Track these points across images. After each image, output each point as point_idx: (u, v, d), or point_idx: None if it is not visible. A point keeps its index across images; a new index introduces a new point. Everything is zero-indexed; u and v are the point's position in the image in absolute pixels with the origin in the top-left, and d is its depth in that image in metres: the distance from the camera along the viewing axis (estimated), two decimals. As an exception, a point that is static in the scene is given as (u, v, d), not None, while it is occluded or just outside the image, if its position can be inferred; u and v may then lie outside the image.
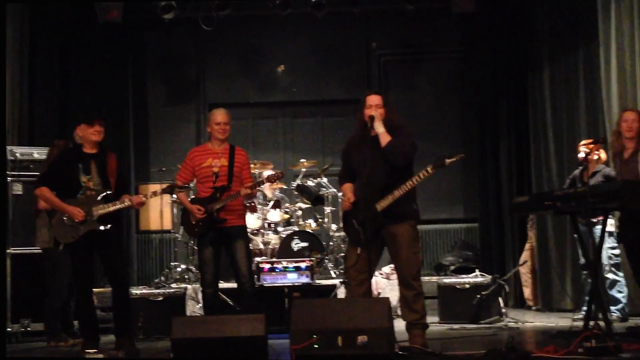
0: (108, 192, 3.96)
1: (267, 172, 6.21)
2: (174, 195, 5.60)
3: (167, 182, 5.98)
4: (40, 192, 4.00)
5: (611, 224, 4.68)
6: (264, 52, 7.44)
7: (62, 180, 3.97)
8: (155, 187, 5.79)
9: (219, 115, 4.22)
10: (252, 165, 6.19)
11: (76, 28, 6.69)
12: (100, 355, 3.67)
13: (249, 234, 5.88)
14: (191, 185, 4.65)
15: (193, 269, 5.71)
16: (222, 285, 5.15)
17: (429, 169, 3.48)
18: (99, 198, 3.93)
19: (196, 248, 5.88)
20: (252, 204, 5.94)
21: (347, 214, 3.72)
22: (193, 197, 4.61)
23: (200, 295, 5.04)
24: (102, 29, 6.59)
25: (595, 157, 4.89)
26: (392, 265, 5.34)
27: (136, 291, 4.99)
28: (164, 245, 7.02)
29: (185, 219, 4.29)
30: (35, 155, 5.10)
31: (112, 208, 3.92)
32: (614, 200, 3.84)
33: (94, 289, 4.23)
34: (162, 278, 5.88)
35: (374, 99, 3.69)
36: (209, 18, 6.61)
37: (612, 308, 4.73)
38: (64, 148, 4.36)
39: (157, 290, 5.01)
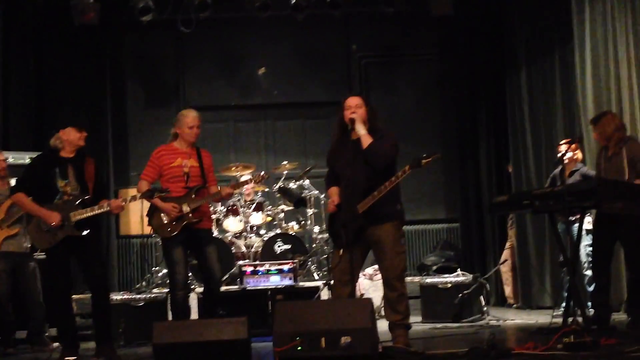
0: (86, 197, 3.90)
1: (247, 176, 6.21)
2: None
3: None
4: (17, 198, 3.94)
5: (588, 222, 4.76)
6: (244, 54, 7.42)
7: (38, 185, 3.90)
8: (135, 191, 5.71)
9: (193, 119, 4.14)
10: (233, 168, 6.20)
11: (52, 30, 6.58)
12: (80, 363, 3.61)
13: (232, 237, 5.88)
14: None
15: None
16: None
17: (406, 169, 3.51)
18: (76, 203, 3.87)
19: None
20: (235, 207, 5.92)
21: (332, 216, 3.74)
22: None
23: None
24: (79, 31, 6.50)
25: (571, 155, 4.96)
26: (376, 267, 5.39)
27: (117, 297, 4.93)
28: (145, 250, 6.94)
29: (156, 219, 4.12)
30: (10, 160, 5.01)
31: (90, 213, 3.85)
32: (590, 198, 3.91)
33: (73, 296, 4.16)
34: (144, 283, 5.82)
35: (353, 101, 3.70)
36: (188, 20, 6.55)
37: (590, 304, 4.81)
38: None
39: (138, 296, 4.95)
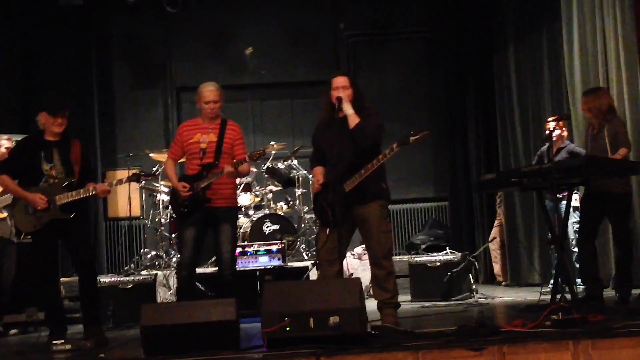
0: (72, 180, 3.85)
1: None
2: (142, 182, 5.51)
3: (134, 168, 5.88)
4: (0, 180, 3.88)
5: (576, 199, 4.78)
6: (232, 34, 7.33)
7: (23, 168, 3.85)
8: (123, 173, 5.67)
9: (208, 94, 4.01)
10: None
11: (37, 11, 6.46)
12: (68, 346, 3.56)
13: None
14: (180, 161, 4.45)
15: (163, 255, 5.65)
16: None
17: (394, 146, 3.49)
18: (62, 186, 3.83)
19: (166, 234, 5.84)
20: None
21: (317, 195, 3.72)
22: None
23: (171, 282, 4.98)
24: (64, 12, 6.38)
25: (559, 132, 4.95)
26: (364, 246, 5.39)
27: (105, 279, 4.91)
28: (133, 232, 6.92)
29: (172, 197, 4.13)
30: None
31: (75, 197, 3.81)
32: (577, 175, 3.91)
33: (60, 279, 4.13)
34: (132, 265, 5.80)
35: (340, 81, 3.67)
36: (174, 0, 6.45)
37: (578, 281, 4.85)
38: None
39: (127, 278, 4.93)
